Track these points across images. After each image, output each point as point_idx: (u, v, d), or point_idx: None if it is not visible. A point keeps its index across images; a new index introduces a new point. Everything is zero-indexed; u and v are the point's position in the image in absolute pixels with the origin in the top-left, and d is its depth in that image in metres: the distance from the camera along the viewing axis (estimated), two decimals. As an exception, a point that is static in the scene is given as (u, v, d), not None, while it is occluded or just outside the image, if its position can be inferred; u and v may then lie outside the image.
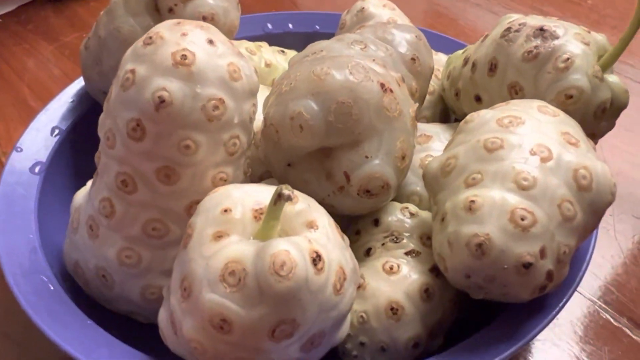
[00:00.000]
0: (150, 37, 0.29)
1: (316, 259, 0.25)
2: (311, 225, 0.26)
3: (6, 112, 0.57)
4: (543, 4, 0.73)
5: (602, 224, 0.44)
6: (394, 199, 0.35)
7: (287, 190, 0.24)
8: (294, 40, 0.53)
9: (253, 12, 0.71)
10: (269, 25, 0.53)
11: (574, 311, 0.39)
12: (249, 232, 0.26)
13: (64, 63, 0.64)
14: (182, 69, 0.28)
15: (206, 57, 0.28)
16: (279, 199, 0.24)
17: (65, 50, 0.65)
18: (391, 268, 0.31)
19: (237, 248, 0.25)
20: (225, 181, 0.30)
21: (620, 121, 0.36)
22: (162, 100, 0.27)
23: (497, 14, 0.72)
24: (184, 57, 0.28)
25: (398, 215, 0.33)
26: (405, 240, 0.32)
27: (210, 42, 0.29)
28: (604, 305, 0.39)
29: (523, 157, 0.28)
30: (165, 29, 0.29)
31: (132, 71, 0.28)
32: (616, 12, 0.72)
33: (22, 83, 0.61)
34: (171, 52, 0.28)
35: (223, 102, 0.29)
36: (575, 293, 0.38)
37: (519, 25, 0.35)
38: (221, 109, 0.29)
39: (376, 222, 0.33)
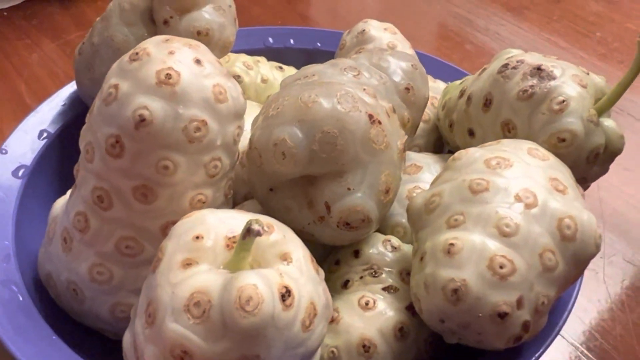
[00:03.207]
0: (137, 53, 0.28)
1: (285, 295, 0.24)
2: (285, 258, 0.26)
3: (0, 108, 0.57)
4: (552, 34, 0.73)
5: (591, 266, 0.44)
6: (378, 230, 0.34)
7: (256, 225, 0.23)
8: (295, 56, 0.52)
9: (259, 22, 0.71)
10: (270, 40, 0.52)
11: (556, 356, 0.38)
12: (220, 261, 0.25)
13: (64, 61, 0.63)
14: (166, 88, 0.27)
15: (191, 77, 0.28)
16: (247, 234, 0.23)
17: (67, 49, 0.65)
18: (367, 304, 0.30)
19: (205, 278, 0.24)
20: (203, 203, 0.30)
21: (619, 159, 0.35)
22: (142, 119, 0.27)
23: (503, 41, 0.71)
24: (169, 76, 0.27)
25: (379, 248, 0.32)
26: (384, 275, 0.31)
27: (198, 61, 0.28)
28: (586, 352, 0.39)
29: (507, 202, 0.27)
30: (152, 45, 0.29)
31: (116, 86, 0.28)
32: (624, 47, 0.71)
33: (20, 79, 0.60)
34: (156, 70, 0.27)
35: (206, 124, 0.28)
36: (558, 336, 0.37)
37: (517, 62, 0.34)
38: (203, 131, 0.28)
39: (356, 254, 0.32)
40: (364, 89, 0.31)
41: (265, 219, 0.27)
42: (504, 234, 0.26)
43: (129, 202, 0.28)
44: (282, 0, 0.76)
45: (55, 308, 0.33)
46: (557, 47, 0.71)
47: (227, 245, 0.25)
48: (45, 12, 0.71)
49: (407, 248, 0.33)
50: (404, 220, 0.35)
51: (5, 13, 0.70)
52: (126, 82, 0.28)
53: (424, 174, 0.37)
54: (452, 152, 0.42)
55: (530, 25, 0.75)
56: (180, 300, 0.24)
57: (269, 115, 0.30)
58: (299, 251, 0.26)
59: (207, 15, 0.36)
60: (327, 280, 0.32)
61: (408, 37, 0.45)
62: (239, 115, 0.30)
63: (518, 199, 0.27)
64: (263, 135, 0.30)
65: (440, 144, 0.43)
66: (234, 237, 0.25)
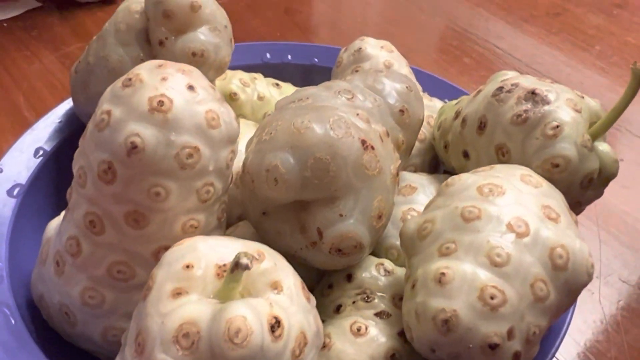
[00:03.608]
0: (130, 79, 0.28)
1: (275, 325, 0.24)
2: (275, 286, 0.26)
3: (-1, 120, 0.57)
4: (551, 47, 0.73)
5: (587, 286, 0.44)
6: (372, 252, 0.34)
7: (245, 259, 0.23)
8: (292, 71, 0.53)
9: (258, 35, 0.71)
10: (268, 55, 0.52)
11: (550, 378, 0.38)
12: (210, 290, 0.25)
13: (63, 73, 0.63)
14: (158, 115, 0.27)
15: (184, 103, 0.28)
16: (236, 268, 0.23)
17: (65, 60, 0.65)
18: (359, 329, 0.30)
19: (194, 309, 0.24)
20: (196, 228, 0.30)
21: (617, 177, 0.34)
22: (134, 146, 0.27)
23: (502, 54, 0.71)
24: (161, 103, 0.27)
25: (372, 272, 0.32)
26: (376, 300, 0.31)
27: (191, 87, 0.28)
28: (580, 375, 0.39)
29: (499, 231, 0.27)
30: (145, 71, 0.29)
31: (108, 112, 0.28)
32: (623, 61, 0.71)
33: (19, 91, 0.60)
34: (148, 97, 0.27)
35: (198, 150, 0.28)
36: (554, 359, 0.37)
37: (512, 85, 0.34)
38: (195, 157, 0.28)
39: (349, 278, 0.32)
40: (357, 114, 0.31)
41: (255, 247, 0.27)
42: (495, 264, 0.26)
43: (121, 227, 0.28)
44: (281, 12, 0.76)
45: (47, 329, 0.33)
46: (557, 60, 0.71)
47: (218, 274, 0.25)
48: (45, 22, 0.71)
49: (400, 271, 0.33)
50: (398, 242, 0.34)
51: (4, 24, 0.70)
52: (118, 108, 0.28)
53: (418, 195, 0.37)
54: (448, 171, 0.42)
55: (529, 38, 0.75)
56: (169, 331, 0.24)
57: (262, 139, 0.30)
58: (290, 279, 0.26)
59: (202, 36, 0.36)
60: (320, 304, 0.32)
61: (407, 50, 0.45)
62: (232, 139, 0.30)
63: (510, 227, 0.27)
64: (255, 160, 0.30)
65: (436, 163, 0.43)
66: (224, 265, 0.25)
